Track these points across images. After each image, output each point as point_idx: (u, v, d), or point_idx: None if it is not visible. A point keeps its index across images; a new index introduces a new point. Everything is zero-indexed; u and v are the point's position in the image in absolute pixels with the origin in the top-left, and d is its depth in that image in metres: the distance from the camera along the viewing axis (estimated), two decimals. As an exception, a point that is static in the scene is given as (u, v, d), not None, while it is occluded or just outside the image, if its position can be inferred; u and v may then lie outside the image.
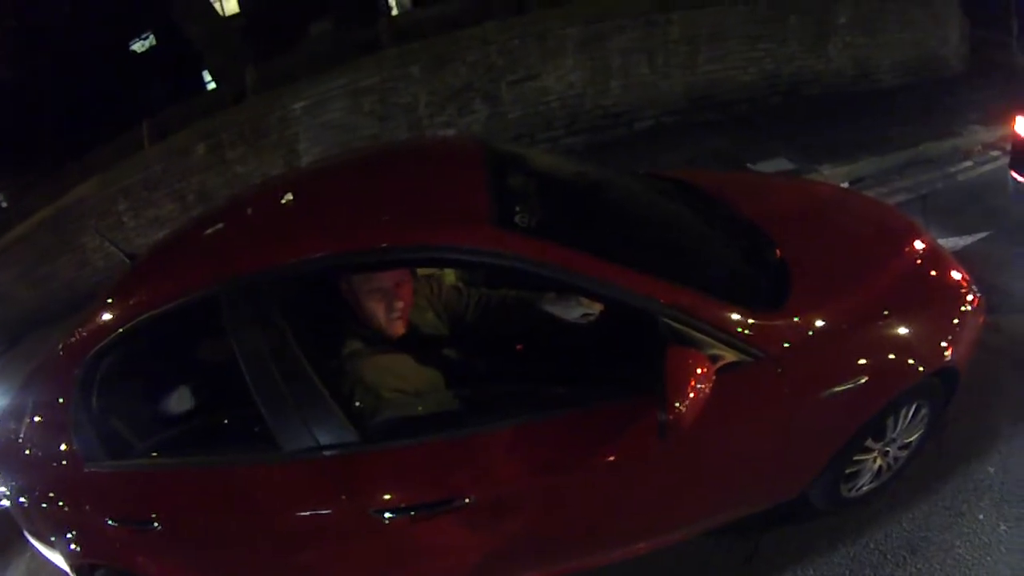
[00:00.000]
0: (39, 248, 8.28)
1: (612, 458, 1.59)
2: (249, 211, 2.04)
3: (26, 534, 2.15)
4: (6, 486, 2.05)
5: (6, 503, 2.07)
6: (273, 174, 6.35)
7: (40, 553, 2.16)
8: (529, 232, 1.57)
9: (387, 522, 1.57)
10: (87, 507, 1.83)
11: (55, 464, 1.85)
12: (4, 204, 12.12)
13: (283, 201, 1.98)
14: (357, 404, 1.60)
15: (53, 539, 1.97)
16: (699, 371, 1.40)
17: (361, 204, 1.74)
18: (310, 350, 1.57)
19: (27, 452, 1.94)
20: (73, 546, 1.89)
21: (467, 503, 1.56)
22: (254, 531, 1.72)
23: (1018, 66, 9.03)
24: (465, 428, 1.61)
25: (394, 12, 9.33)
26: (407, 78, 5.84)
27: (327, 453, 1.56)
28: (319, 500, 1.61)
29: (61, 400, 1.81)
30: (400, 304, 1.74)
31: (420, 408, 1.66)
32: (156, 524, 1.72)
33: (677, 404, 1.37)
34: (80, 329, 1.83)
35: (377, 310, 1.71)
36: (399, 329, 1.76)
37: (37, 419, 1.94)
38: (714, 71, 6.29)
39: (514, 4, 6.10)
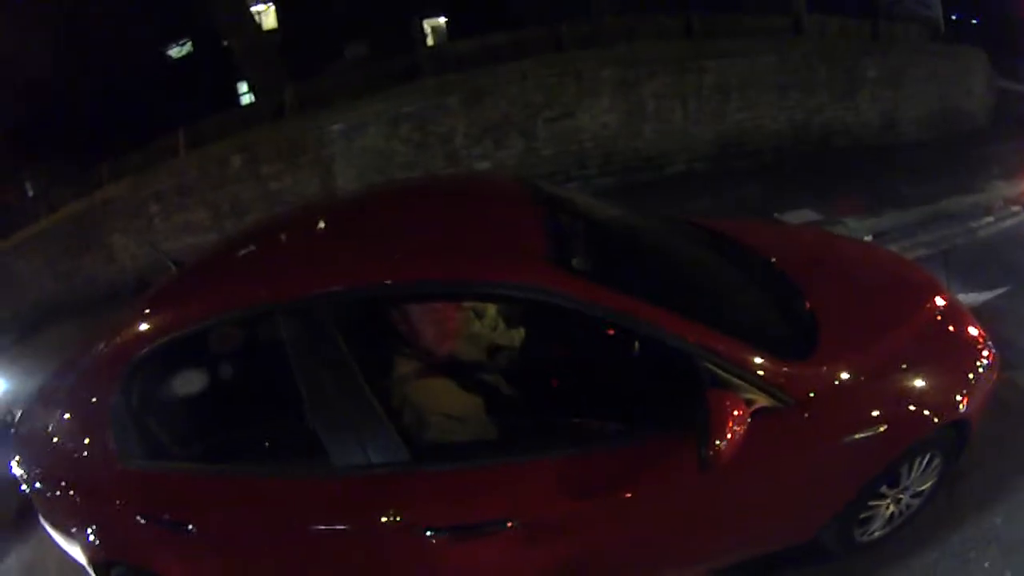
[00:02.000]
0: (66, 242, 8.42)
1: (646, 493, 1.69)
2: (307, 231, 2.11)
3: (43, 521, 2.15)
4: (28, 471, 2.06)
5: (25, 488, 2.08)
6: (308, 193, 6.49)
7: (54, 541, 2.17)
8: (584, 275, 1.67)
9: (431, 540, 1.64)
10: (117, 503, 1.84)
11: (88, 458, 1.87)
12: (31, 192, 12.31)
13: (344, 225, 2.06)
14: (406, 424, 1.68)
15: (73, 530, 1.98)
16: (736, 413, 1.52)
17: (424, 236, 1.83)
18: (366, 370, 1.64)
19: (57, 442, 1.96)
20: (93, 539, 1.91)
21: (509, 527, 1.64)
22: (296, 542, 1.74)
23: (1042, 117, 9.12)
24: (509, 455, 1.70)
25: (429, 41, 9.50)
26: (445, 108, 5.97)
27: (379, 470, 1.63)
28: (367, 515, 1.66)
29: (101, 397, 1.83)
30: (448, 329, 1.86)
31: (463, 433, 1.75)
32: (191, 527, 1.75)
33: (718, 442, 1.49)
34: (125, 330, 1.85)
35: (427, 335, 1.83)
36: (445, 350, 1.88)
37: (72, 411, 1.95)
38: (744, 119, 6.41)
39: (552, 42, 6.23)
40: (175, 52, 11.02)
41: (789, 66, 6.61)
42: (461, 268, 1.68)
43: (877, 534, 2.15)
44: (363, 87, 6.41)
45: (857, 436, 1.80)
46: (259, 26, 8.34)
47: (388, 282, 1.68)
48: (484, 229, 1.89)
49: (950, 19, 10.02)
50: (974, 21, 9.90)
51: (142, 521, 1.81)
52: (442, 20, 10.61)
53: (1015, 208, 5.43)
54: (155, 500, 1.82)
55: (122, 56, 9.49)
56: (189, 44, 10.80)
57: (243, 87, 9.76)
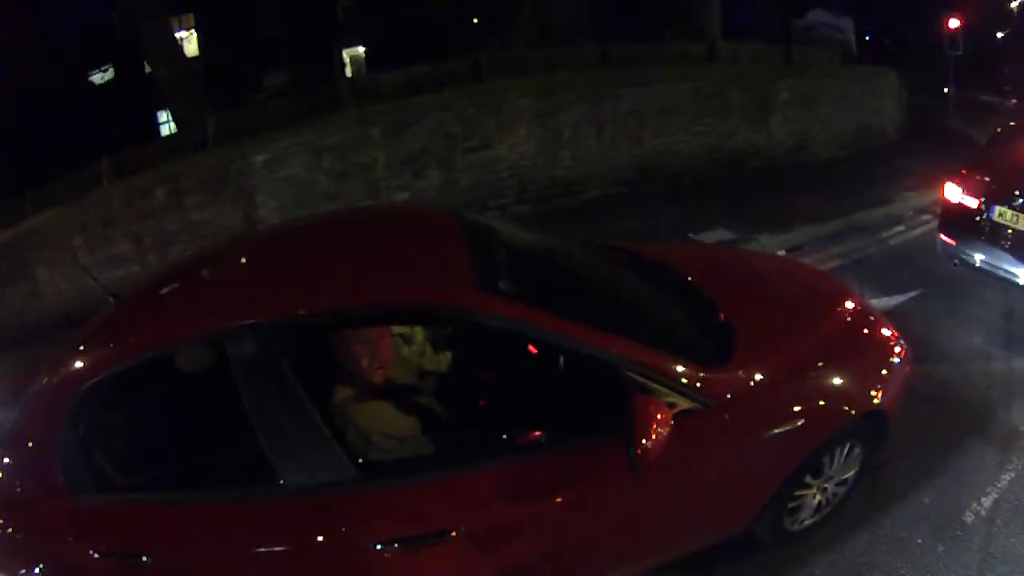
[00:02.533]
0: (-11, 275, 8.12)
1: (581, 497, 1.81)
2: (245, 262, 2.17)
3: None
4: None
5: None
6: (231, 225, 6.44)
7: None
8: (512, 296, 1.79)
9: (382, 554, 1.70)
10: (70, 539, 1.81)
11: (35, 495, 1.84)
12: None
13: (280, 254, 2.14)
14: (350, 444, 1.75)
15: (22, 572, 1.91)
16: (659, 416, 1.65)
17: (357, 264, 1.93)
18: (311, 395, 1.71)
19: (0, 480, 1.91)
20: None
21: (453, 536, 1.72)
22: (251, 565, 1.77)
23: (951, 132, 9.70)
24: (448, 469, 1.79)
25: (348, 72, 9.54)
26: (367, 139, 6.03)
27: (327, 489, 1.69)
28: (319, 533, 1.70)
29: (48, 431, 1.80)
30: (381, 356, 1.92)
31: (403, 451, 1.83)
32: (146, 558, 1.73)
33: (644, 441, 1.62)
34: (67, 363, 1.84)
35: (362, 360, 1.88)
36: (380, 378, 1.94)
37: (15, 448, 1.89)
38: (660, 144, 6.65)
39: (472, 72, 6.37)
40: (98, 78, 10.75)
41: (703, 92, 6.89)
42: (396, 292, 1.77)
43: (808, 522, 2.31)
44: (286, 118, 6.42)
45: (776, 431, 1.97)
46: (186, 57, 8.24)
47: (328, 307, 1.76)
48: (414, 256, 1.99)
49: (864, 40, 10.56)
50: (887, 42, 10.50)
51: (95, 555, 1.78)
52: (361, 50, 10.67)
53: (925, 217, 5.78)
54: (108, 534, 1.80)
55: (44, 81, 9.22)
56: (111, 70, 10.55)
57: (163, 116, 9.60)
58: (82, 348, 1.88)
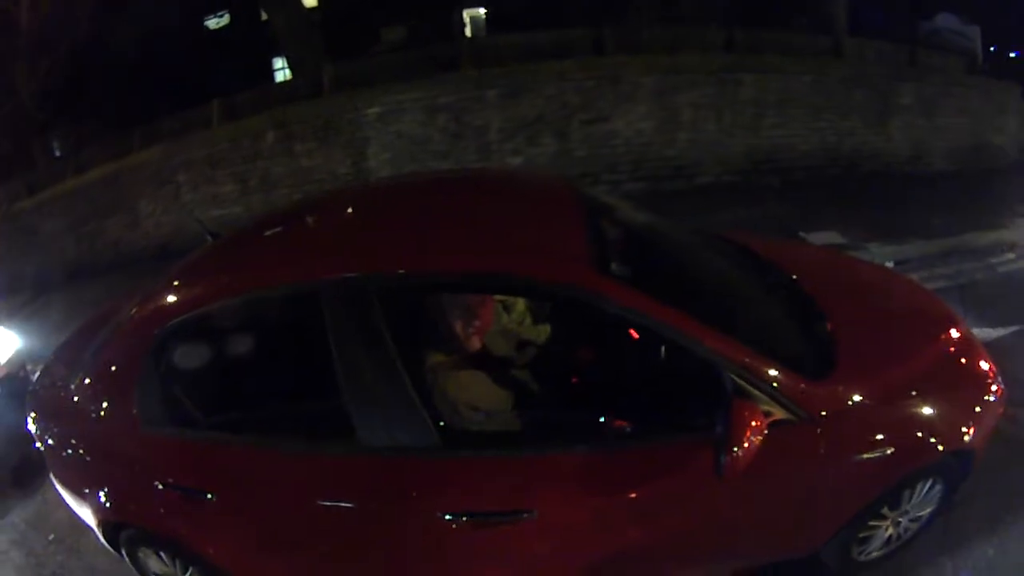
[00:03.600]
0: (92, 204, 8.49)
1: (662, 493, 1.76)
2: (354, 213, 2.14)
3: (54, 480, 2.15)
4: (43, 430, 2.07)
5: (39, 445, 2.09)
6: (339, 173, 6.56)
7: (63, 500, 2.17)
8: (623, 280, 1.73)
9: (450, 525, 1.69)
10: (136, 468, 1.85)
11: (109, 421, 1.88)
12: (58, 152, 12.41)
13: (392, 209, 2.09)
14: (436, 411, 1.72)
15: (85, 491, 1.98)
16: (755, 424, 1.59)
17: (471, 228, 1.88)
18: (402, 355, 1.68)
19: (77, 403, 1.97)
20: (105, 501, 1.91)
21: (526, 518, 1.69)
22: (314, 517, 1.77)
23: (1073, 160, 9.09)
24: (532, 448, 1.75)
25: (467, 32, 9.52)
26: (483, 101, 6.02)
27: (407, 453, 1.67)
28: (390, 495, 1.69)
29: (128, 363, 1.84)
30: (478, 323, 1.88)
31: (490, 424, 1.80)
32: (211, 495, 1.77)
33: (736, 449, 1.55)
34: (157, 298, 1.85)
35: (458, 326, 1.85)
36: (475, 345, 1.91)
37: (96, 374, 1.95)
38: (777, 136, 6.44)
39: (594, 45, 6.27)
40: (213, 23, 11.05)
41: (825, 87, 6.63)
42: (505, 263, 1.73)
43: (875, 554, 2.21)
44: (402, 73, 6.46)
45: (864, 456, 1.86)
46: (302, 2, 8.37)
47: (433, 269, 1.72)
48: (529, 226, 1.93)
49: (988, 51, 9.97)
50: (1012, 55, 9.85)
51: (160, 487, 1.82)
52: (481, 11, 10.63)
53: None
54: (176, 467, 1.84)
55: (160, 23, 9.56)
56: (227, 15, 10.84)
57: (278, 63, 9.79)
58: (173, 285, 1.88)
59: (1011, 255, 5.53)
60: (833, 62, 6.97)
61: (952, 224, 5.86)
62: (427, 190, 2.35)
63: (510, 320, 2.25)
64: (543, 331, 2.27)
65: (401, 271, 1.72)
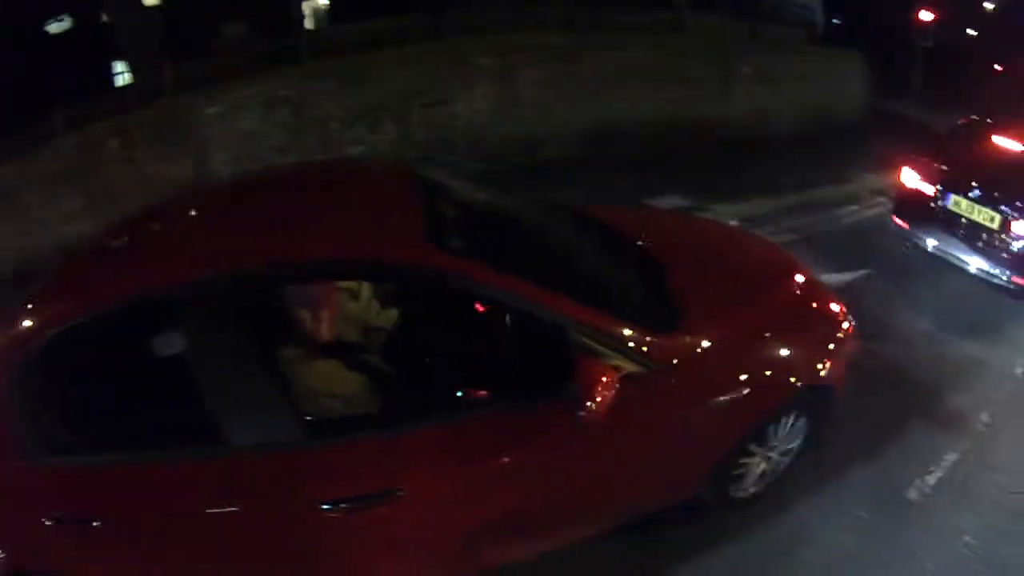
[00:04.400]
0: (-61, 232, 7.84)
1: (527, 456, 1.82)
2: (196, 216, 2.13)
3: None
4: None
5: None
6: (183, 177, 6.30)
7: None
8: (461, 254, 1.79)
9: (327, 514, 1.71)
10: (23, 506, 1.79)
11: None
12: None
13: (231, 209, 2.10)
14: (297, 403, 1.75)
15: None
16: (605, 379, 1.68)
17: (309, 219, 1.90)
18: (259, 353, 1.71)
19: None
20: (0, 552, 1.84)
21: (400, 496, 1.73)
22: (199, 525, 1.77)
23: (912, 120, 9.88)
24: (394, 427, 1.80)
25: (308, 24, 9.37)
26: (323, 92, 5.94)
27: (274, 448, 1.70)
28: (266, 493, 1.73)
29: None
30: (326, 312, 1.91)
31: (350, 410, 1.83)
32: (96, 523, 1.73)
33: (589, 404, 1.64)
34: (17, 324, 1.80)
35: (307, 317, 1.88)
36: (326, 335, 1.93)
37: None
38: (619, 109, 6.66)
39: (432, 29, 6.30)
40: (54, 28, 10.43)
41: (666, 58, 6.91)
42: (344, 248, 1.76)
43: (752, 490, 2.37)
44: (242, 69, 6.28)
45: (722, 399, 2.00)
46: (145, 4, 8.01)
47: (275, 262, 1.73)
48: (366, 211, 1.97)
49: (831, 22, 10.68)
50: (834, 21, 10.75)
51: (48, 522, 1.75)
52: (323, 2, 10.55)
53: (880, 199, 5.86)
54: (59, 499, 1.77)
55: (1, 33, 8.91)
56: (67, 19, 10.25)
57: (119, 67, 9.36)
58: (30, 308, 1.84)
59: (854, 207, 5.98)
60: (673, 37, 7.27)
61: (798, 182, 6.24)
62: (264, 186, 2.35)
63: (358, 307, 2.27)
64: (391, 316, 2.31)
65: (245, 268, 1.72)
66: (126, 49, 7.70)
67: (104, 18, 8.51)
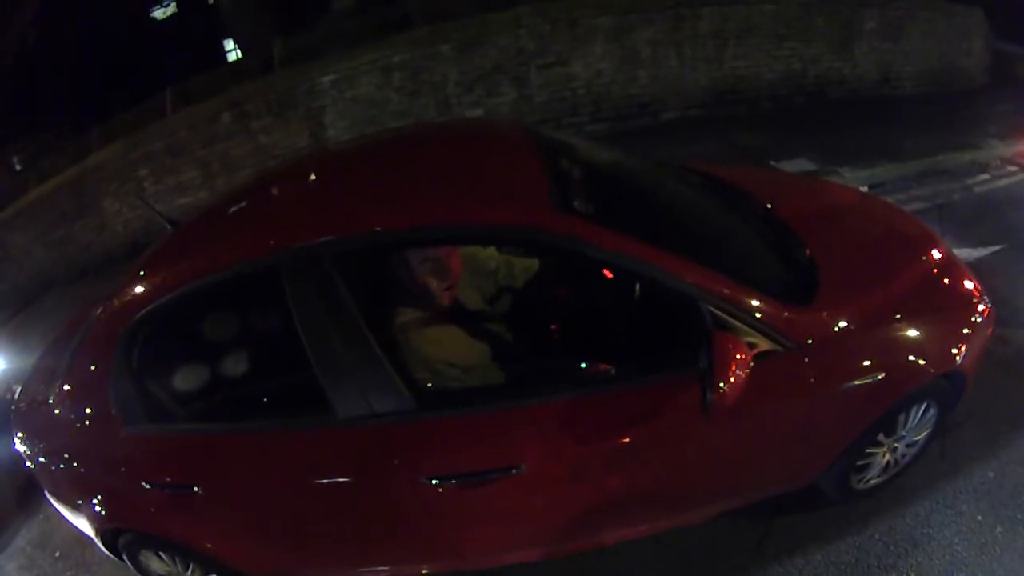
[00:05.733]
0: (57, 211, 8.29)
1: (650, 434, 1.68)
2: (304, 183, 2.06)
3: (48, 496, 2.13)
4: (31, 447, 2.04)
5: (30, 464, 2.07)
6: (300, 146, 6.41)
7: (61, 515, 2.14)
8: (588, 217, 1.65)
9: (437, 489, 1.63)
10: (122, 470, 1.81)
11: (90, 427, 1.84)
12: (19, 167, 12.14)
13: (343, 174, 2.02)
14: (411, 373, 1.65)
15: (79, 502, 1.95)
16: (740, 356, 1.50)
17: (424, 182, 1.78)
18: (368, 319, 1.61)
19: (58, 414, 1.93)
20: (99, 509, 1.89)
21: (514, 474, 1.63)
22: (303, 495, 1.74)
23: (1039, 79, 9.07)
24: (514, 400, 1.67)
25: None
26: (438, 57, 5.88)
27: (384, 420, 1.61)
28: (372, 465, 1.65)
29: (100, 363, 1.80)
30: (450, 276, 1.80)
31: (468, 380, 1.72)
32: (197, 488, 1.74)
33: (722, 385, 1.47)
34: (121, 294, 1.80)
35: (429, 281, 1.76)
36: (447, 300, 1.82)
37: (72, 381, 1.91)
38: (740, 67, 6.34)
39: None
40: (159, 13, 10.81)
41: (786, 15, 6.52)
42: (465, 212, 1.65)
43: (873, 482, 2.18)
44: (355, 39, 6.30)
45: (855, 383, 1.79)
46: (246, -19, 8.19)
47: (392, 228, 1.63)
48: (487, 173, 1.85)
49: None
50: None
51: (147, 486, 1.78)
52: None
53: (1011, 168, 5.40)
54: (159, 464, 1.80)
55: (106, 21, 9.29)
56: (173, 4, 10.60)
57: (229, 45, 9.60)
58: (133, 280, 1.82)
59: (986, 175, 5.49)
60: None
61: (925, 146, 5.80)
62: (379, 149, 2.26)
63: (484, 270, 2.16)
64: (519, 276, 2.18)
65: (354, 233, 1.63)
66: (233, 27, 7.87)
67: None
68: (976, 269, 2.73)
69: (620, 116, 5.92)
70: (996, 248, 3.88)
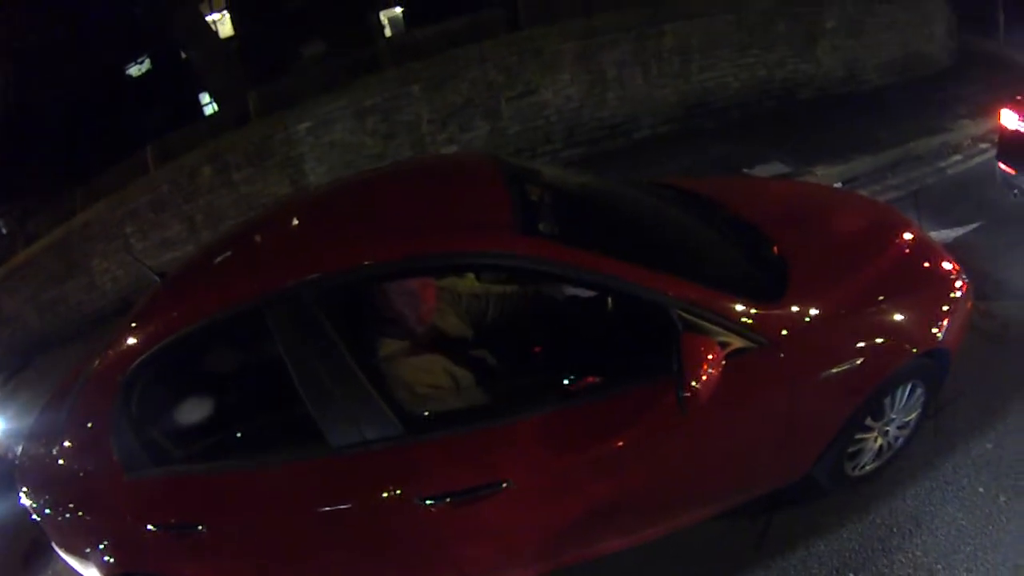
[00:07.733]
0: (46, 272, 8.34)
1: (634, 440, 1.74)
2: (281, 226, 2.14)
3: (56, 548, 2.16)
4: (36, 500, 2.08)
5: (36, 517, 2.10)
6: (281, 194, 6.47)
7: (69, 567, 2.17)
8: (553, 238, 1.73)
9: (431, 509, 1.69)
10: (127, 516, 1.86)
11: (93, 475, 1.90)
12: (4, 230, 12.16)
13: (317, 215, 2.10)
14: (398, 400, 1.71)
15: (87, 551, 1.99)
16: (710, 356, 1.57)
17: (394, 217, 1.87)
18: (353, 352, 1.68)
19: (62, 465, 1.98)
20: (107, 557, 1.93)
21: (504, 487, 1.68)
22: (302, 524, 1.79)
23: (1004, 59, 9.19)
24: (498, 418, 1.74)
25: (387, 33, 9.48)
26: (408, 97, 5.97)
27: (374, 446, 1.67)
28: (368, 490, 1.71)
29: (100, 412, 1.86)
30: (425, 306, 1.87)
31: (455, 403, 1.79)
32: (201, 527, 1.79)
33: (693, 383, 1.53)
34: (117, 345, 1.88)
35: (406, 312, 1.84)
36: (424, 328, 1.90)
37: (73, 432, 1.96)
38: (707, 79, 6.43)
39: (509, 22, 6.23)
40: (135, 71, 10.90)
41: (747, 23, 6.62)
42: (433, 241, 1.72)
43: (868, 468, 2.21)
44: (325, 84, 6.38)
45: (834, 370, 1.84)
46: (216, 35, 8.26)
47: (366, 263, 1.70)
48: (452, 203, 1.93)
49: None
50: None
51: (152, 529, 1.83)
52: (398, 10, 10.62)
53: (983, 145, 5.48)
54: (162, 506, 1.84)
55: (82, 81, 9.38)
56: (147, 61, 10.70)
57: (205, 97, 9.68)
58: (126, 330, 1.89)
59: (958, 156, 5.58)
60: (752, -2, 6.97)
61: (896, 135, 5.88)
62: (348, 189, 2.36)
63: (460, 296, 2.22)
64: (509, 290, 2.26)
65: (333, 270, 1.70)
66: (207, 81, 7.95)
67: (183, 55, 8.82)
68: (955, 248, 2.79)
69: (593, 139, 6.01)
70: (974, 226, 3.96)
